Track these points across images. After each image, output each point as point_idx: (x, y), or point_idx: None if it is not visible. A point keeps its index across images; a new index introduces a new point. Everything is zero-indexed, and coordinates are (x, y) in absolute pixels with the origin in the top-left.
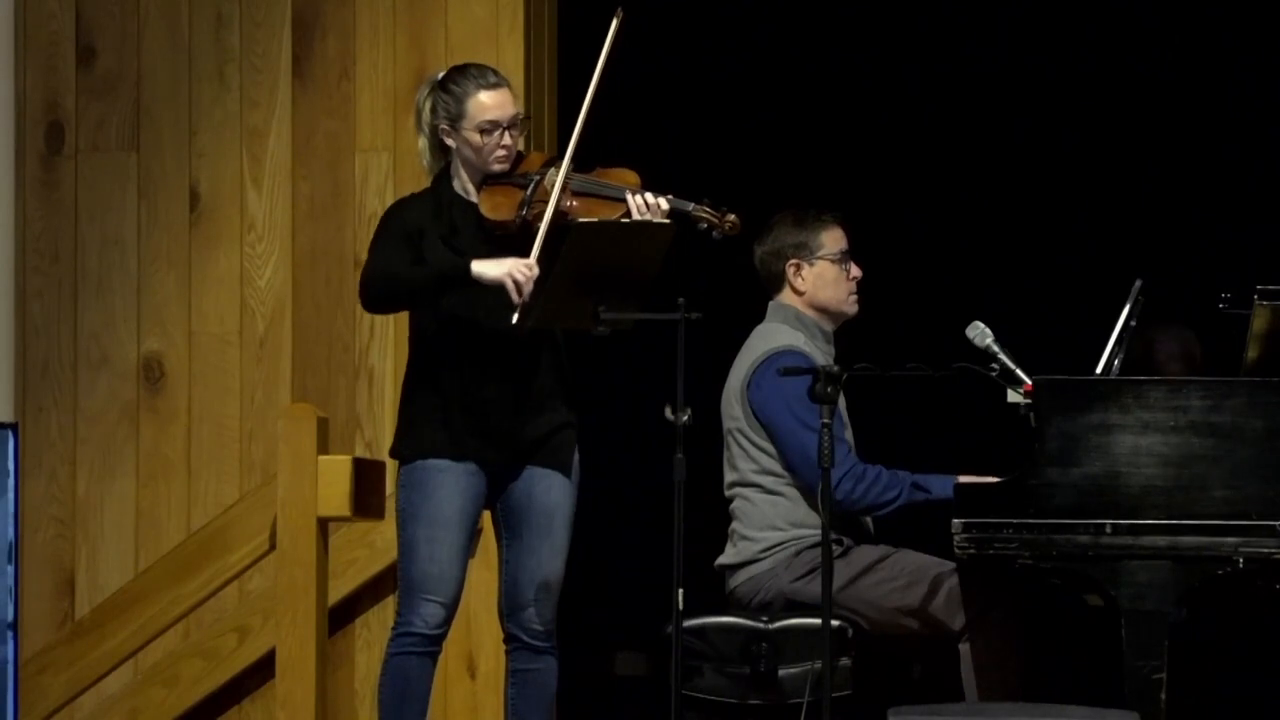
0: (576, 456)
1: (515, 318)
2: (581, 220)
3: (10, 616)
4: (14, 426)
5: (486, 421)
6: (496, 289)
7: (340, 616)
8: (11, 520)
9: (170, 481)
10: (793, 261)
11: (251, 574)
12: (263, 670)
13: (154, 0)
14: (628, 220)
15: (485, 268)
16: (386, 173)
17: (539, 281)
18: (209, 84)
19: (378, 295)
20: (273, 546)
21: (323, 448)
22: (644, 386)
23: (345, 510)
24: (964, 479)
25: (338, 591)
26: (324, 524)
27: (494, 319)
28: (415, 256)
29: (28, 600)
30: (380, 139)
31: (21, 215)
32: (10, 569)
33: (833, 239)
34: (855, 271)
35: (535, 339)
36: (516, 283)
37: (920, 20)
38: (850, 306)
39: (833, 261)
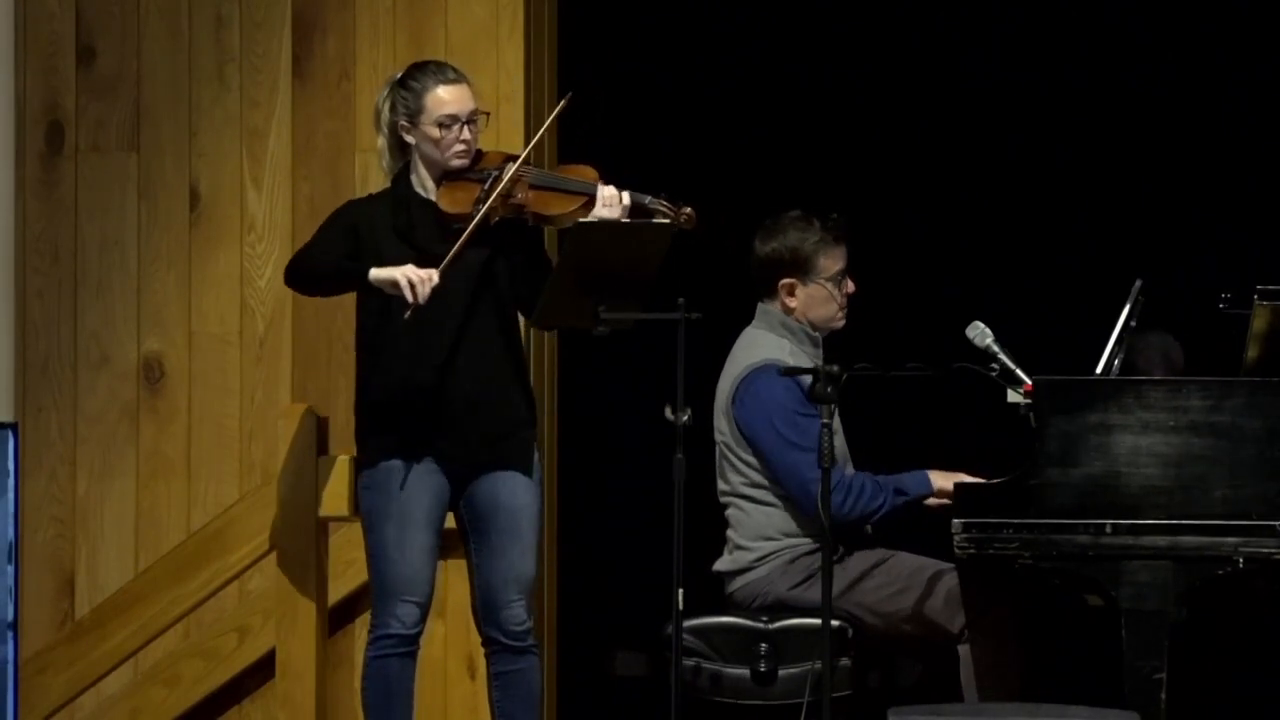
0: (537, 455)
1: (407, 314)
2: (582, 220)
3: (10, 616)
4: (14, 426)
5: (445, 422)
6: (475, 252)
7: (340, 616)
8: (11, 520)
9: (170, 481)
10: (787, 281)
11: (251, 574)
12: (263, 670)
13: (154, 0)
14: (628, 220)
15: (381, 272)
16: (387, 173)
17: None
18: (209, 84)
19: (294, 274)
20: (273, 546)
21: (323, 448)
22: (644, 386)
23: (345, 510)
24: (932, 472)
25: (338, 591)
26: (324, 524)
27: (469, 285)
28: (351, 250)
29: (28, 600)
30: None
31: (21, 215)
32: (10, 569)
33: (832, 260)
34: (849, 288)
35: (492, 336)
36: (410, 282)
37: (921, 22)
38: (838, 322)
39: (828, 283)
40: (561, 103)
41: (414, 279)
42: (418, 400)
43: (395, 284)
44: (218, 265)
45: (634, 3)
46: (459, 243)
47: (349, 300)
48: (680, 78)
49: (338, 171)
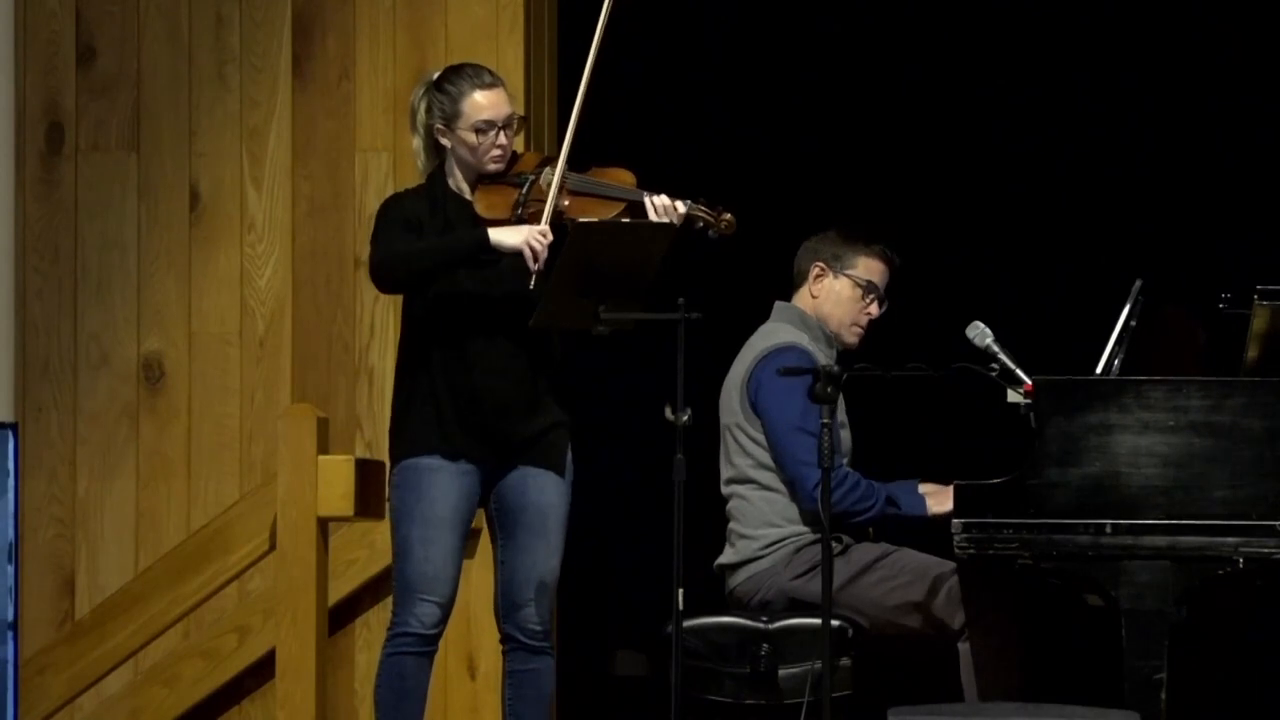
0: (570, 456)
1: (532, 283)
2: (581, 220)
3: (10, 616)
4: (14, 426)
5: (479, 419)
6: (511, 259)
7: (340, 616)
8: (11, 520)
9: (170, 481)
10: (819, 264)
11: (251, 574)
12: (263, 670)
13: (154, 0)
14: (628, 220)
15: (503, 235)
16: (386, 173)
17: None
18: (209, 84)
19: (397, 274)
20: (273, 546)
21: (323, 448)
22: (644, 386)
23: (345, 510)
24: (925, 488)
25: (338, 591)
26: (324, 524)
27: (506, 287)
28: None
29: (28, 600)
30: (380, 139)
31: (21, 215)
32: (10, 569)
33: (868, 267)
34: (873, 310)
35: (527, 337)
36: (534, 249)
37: (921, 22)
38: (849, 335)
39: (855, 284)
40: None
41: (535, 246)
42: (453, 400)
43: (518, 251)
44: (218, 265)
45: (634, 3)
46: (551, 198)
47: (349, 300)
48: (680, 78)
49: (338, 171)
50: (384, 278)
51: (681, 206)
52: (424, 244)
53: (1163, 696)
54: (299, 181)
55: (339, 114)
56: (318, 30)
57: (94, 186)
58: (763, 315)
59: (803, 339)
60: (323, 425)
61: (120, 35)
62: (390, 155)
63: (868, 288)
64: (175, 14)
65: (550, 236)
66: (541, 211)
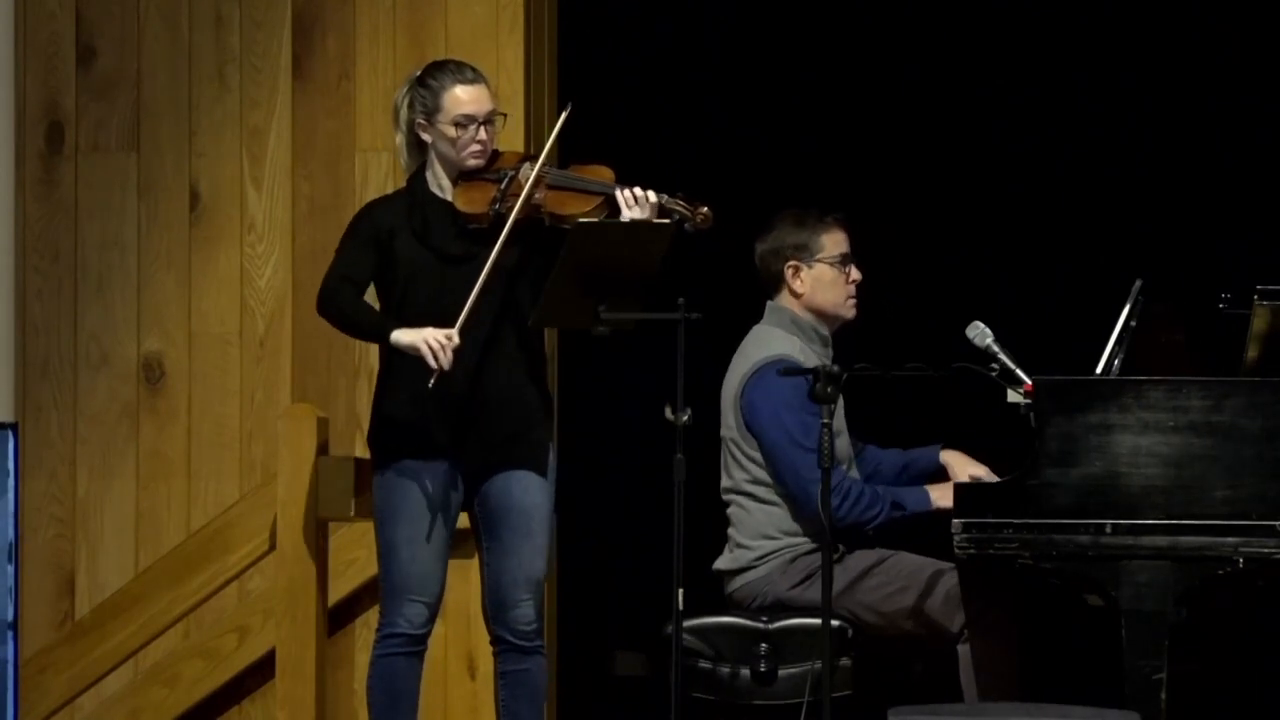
0: (553, 456)
1: (431, 382)
2: (582, 220)
3: (10, 616)
4: (14, 426)
5: (460, 421)
6: (464, 268)
7: (340, 616)
8: (11, 520)
9: (170, 481)
10: (791, 263)
11: (251, 574)
12: (263, 670)
13: (154, 0)
14: (628, 220)
15: (402, 335)
16: (386, 173)
17: (539, 279)
18: (209, 84)
19: (323, 310)
20: (273, 546)
21: (323, 448)
22: (644, 386)
23: (345, 510)
24: (932, 489)
25: (338, 591)
26: (324, 524)
27: (454, 299)
28: (380, 262)
29: (28, 600)
30: (380, 139)
31: (21, 215)
32: (10, 569)
33: (833, 241)
34: (855, 275)
35: (509, 338)
36: (431, 348)
37: (921, 22)
38: (848, 310)
39: (831, 264)
40: (563, 115)
41: (435, 346)
42: (434, 400)
43: (417, 351)
44: (218, 265)
45: (634, 2)
46: (476, 289)
47: None
48: (679, 78)
49: (338, 171)
50: (319, 305)
51: (654, 198)
52: (350, 310)
53: (1163, 696)
54: (299, 181)
55: (339, 114)
56: (318, 30)
57: (94, 186)
58: (761, 314)
59: (794, 344)
60: (323, 425)
61: (120, 35)
62: (390, 155)
63: (842, 260)
64: (175, 14)
65: (456, 340)
66: (515, 205)
